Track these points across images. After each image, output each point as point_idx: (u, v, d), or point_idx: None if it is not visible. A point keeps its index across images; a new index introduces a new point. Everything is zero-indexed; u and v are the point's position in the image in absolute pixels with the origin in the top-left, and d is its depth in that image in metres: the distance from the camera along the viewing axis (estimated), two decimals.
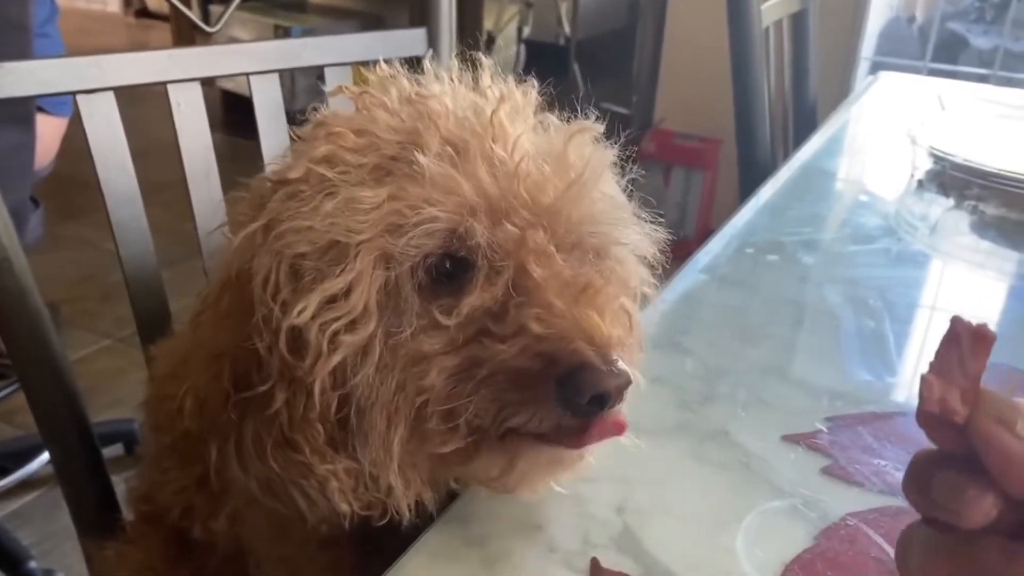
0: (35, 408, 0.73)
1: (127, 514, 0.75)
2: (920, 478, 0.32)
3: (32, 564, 1.47)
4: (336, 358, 0.43)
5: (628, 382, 0.43)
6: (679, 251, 0.86)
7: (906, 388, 0.66)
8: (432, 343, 0.44)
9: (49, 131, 1.50)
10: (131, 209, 0.76)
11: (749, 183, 1.25)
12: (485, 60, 0.54)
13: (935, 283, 0.86)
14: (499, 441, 0.44)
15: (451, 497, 0.51)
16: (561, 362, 0.42)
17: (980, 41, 2.86)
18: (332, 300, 0.44)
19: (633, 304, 0.52)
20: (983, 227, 0.96)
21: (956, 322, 0.32)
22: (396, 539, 0.51)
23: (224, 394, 0.47)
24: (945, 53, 2.74)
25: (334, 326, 0.43)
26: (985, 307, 0.81)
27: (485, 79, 0.53)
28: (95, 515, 0.76)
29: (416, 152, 0.45)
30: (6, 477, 1.66)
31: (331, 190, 0.45)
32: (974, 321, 0.32)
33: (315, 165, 0.47)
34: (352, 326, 0.43)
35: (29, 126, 1.34)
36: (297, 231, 0.45)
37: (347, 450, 0.45)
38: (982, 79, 2.42)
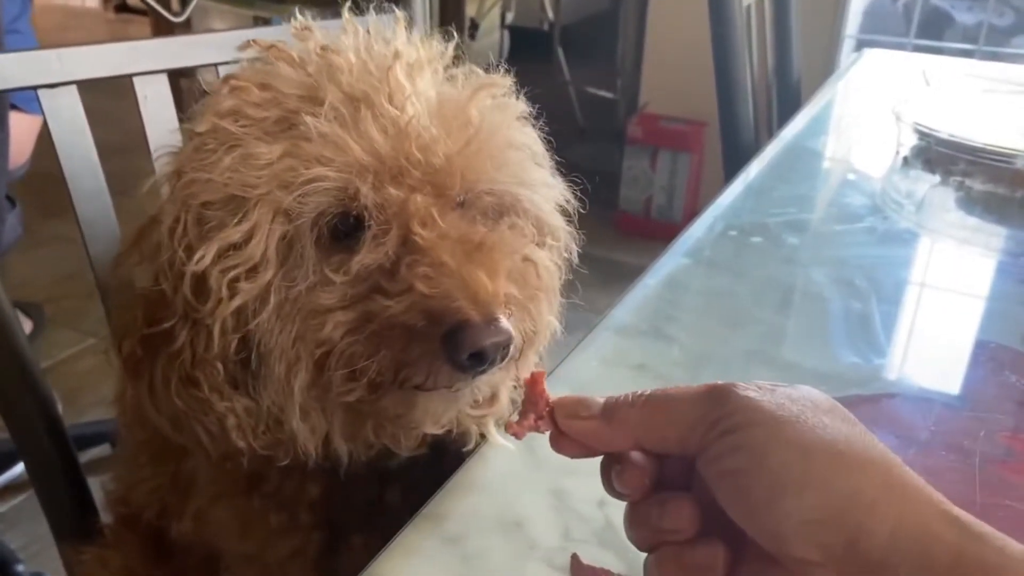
0: (7, 415, 0.71)
1: (105, 518, 0.74)
2: (605, 483, 0.39)
3: (20, 568, 1.46)
4: (235, 303, 0.45)
5: (508, 339, 0.44)
6: (668, 234, 0.85)
7: (893, 369, 0.65)
8: (327, 297, 0.45)
9: (23, 129, 1.48)
10: (99, 204, 0.74)
11: (733, 165, 1.23)
12: (399, 13, 0.55)
13: (922, 261, 0.85)
14: (399, 389, 0.46)
15: (427, 495, 0.50)
16: (444, 320, 0.43)
17: (965, 17, 2.85)
18: (231, 248, 0.45)
19: (545, 255, 0.52)
20: (970, 203, 0.95)
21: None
22: (360, 526, 0.51)
23: (139, 333, 0.49)
24: (930, 30, 2.73)
25: (232, 273, 0.45)
26: (973, 283, 0.80)
27: (399, 34, 0.53)
28: (72, 520, 0.75)
29: (315, 108, 0.46)
30: None
31: (233, 143, 0.47)
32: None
33: (219, 119, 0.48)
34: (250, 274, 0.45)
35: (2, 124, 1.32)
36: (201, 182, 0.46)
37: (247, 390, 0.48)
38: (967, 55, 2.41)
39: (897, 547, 0.32)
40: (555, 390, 0.59)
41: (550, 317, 0.51)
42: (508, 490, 0.51)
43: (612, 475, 0.38)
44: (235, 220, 0.45)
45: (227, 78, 0.51)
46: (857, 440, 0.34)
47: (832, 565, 0.32)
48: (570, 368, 0.63)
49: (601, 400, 0.39)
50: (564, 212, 0.55)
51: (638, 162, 2.69)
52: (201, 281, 0.45)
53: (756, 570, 0.35)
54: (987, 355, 0.67)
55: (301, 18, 0.55)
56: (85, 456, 1.36)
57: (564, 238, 0.55)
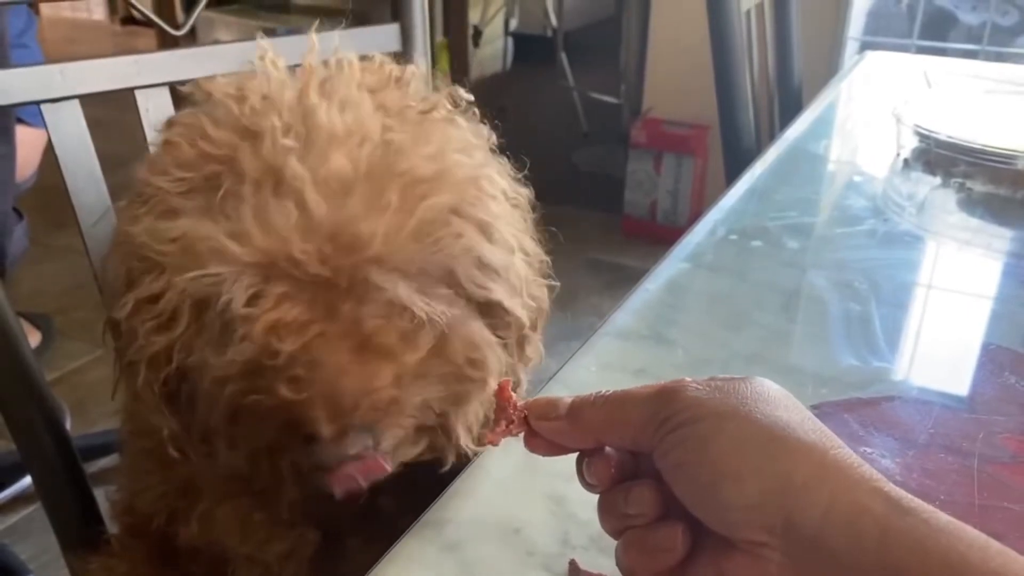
0: (13, 427, 0.72)
1: (112, 528, 0.75)
2: (579, 476, 0.42)
3: None
4: (153, 349, 0.47)
5: (364, 452, 0.44)
6: (673, 237, 0.85)
7: (893, 372, 0.65)
8: (220, 366, 0.45)
9: (30, 142, 1.49)
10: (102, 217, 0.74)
11: (734, 169, 1.23)
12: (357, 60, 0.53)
13: (923, 263, 0.85)
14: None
15: (426, 502, 0.50)
16: (297, 429, 0.44)
17: (969, 17, 2.85)
18: (147, 301, 0.46)
19: (488, 337, 0.50)
20: (971, 204, 0.95)
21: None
22: (354, 530, 0.51)
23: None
24: (934, 30, 2.73)
25: (147, 324, 0.46)
26: (974, 285, 0.80)
27: (348, 77, 0.51)
28: (79, 531, 0.75)
29: (231, 178, 0.45)
30: (2, 491, 1.65)
31: (156, 202, 0.47)
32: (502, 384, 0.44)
33: (150, 173, 0.48)
34: (162, 328, 0.46)
35: (8, 138, 1.34)
36: (127, 234, 0.48)
37: (177, 415, 0.49)
38: (971, 55, 2.41)
39: (830, 524, 0.34)
40: (556, 393, 0.60)
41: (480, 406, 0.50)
42: (507, 497, 0.51)
43: (583, 468, 0.42)
44: (151, 277, 0.46)
45: (170, 122, 0.51)
46: (794, 426, 0.36)
47: (776, 544, 0.35)
48: (571, 373, 0.63)
49: (566, 400, 0.42)
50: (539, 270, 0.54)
51: (642, 166, 2.70)
52: (125, 326, 0.47)
53: (714, 553, 0.37)
54: (987, 357, 0.67)
55: (263, 44, 0.54)
56: (95, 466, 1.37)
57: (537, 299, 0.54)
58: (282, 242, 0.44)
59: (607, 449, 0.41)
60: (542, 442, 0.43)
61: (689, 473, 0.37)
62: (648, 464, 0.40)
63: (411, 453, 0.49)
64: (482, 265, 0.48)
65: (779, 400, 0.38)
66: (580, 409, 0.41)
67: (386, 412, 0.45)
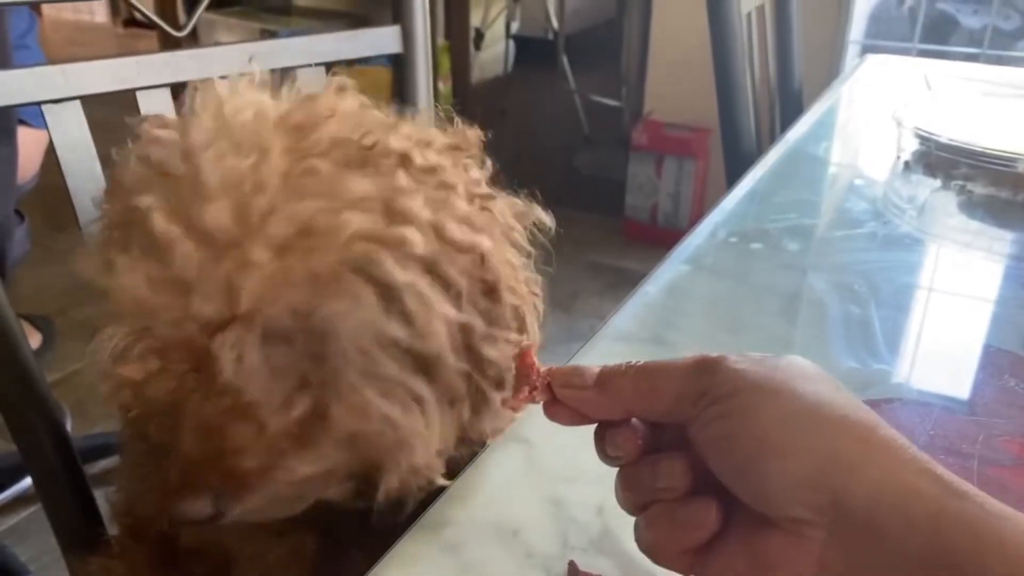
0: (13, 428, 0.72)
1: (112, 530, 0.75)
2: (597, 447, 0.41)
3: None
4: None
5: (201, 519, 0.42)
6: (674, 240, 0.85)
7: (893, 374, 0.65)
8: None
9: (31, 144, 1.50)
10: None
11: (734, 172, 1.23)
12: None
13: (923, 265, 0.85)
14: None
15: (426, 503, 0.50)
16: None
17: (970, 21, 2.85)
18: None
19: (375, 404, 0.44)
20: (971, 207, 0.95)
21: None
22: (353, 538, 0.51)
23: None
24: (935, 34, 2.73)
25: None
26: (975, 287, 0.80)
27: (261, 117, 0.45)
28: (79, 532, 0.75)
29: (138, 225, 0.42)
30: (3, 492, 1.65)
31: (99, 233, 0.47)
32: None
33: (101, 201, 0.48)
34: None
35: (10, 139, 1.34)
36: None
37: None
38: (972, 59, 2.41)
39: (879, 504, 0.33)
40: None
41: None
42: (506, 498, 0.51)
43: (606, 440, 0.40)
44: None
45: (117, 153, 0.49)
46: (840, 403, 0.36)
47: (821, 523, 0.34)
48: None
49: (596, 369, 0.41)
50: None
51: (643, 169, 2.70)
52: None
53: (746, 532, 0.36)
54: (987, 359, 0.67)
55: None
56: (95, 468, 1.37)
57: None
58: (147, 298, 0.41)
59: (632, 420, 0.40)
60: (564, 410, 0.41)
61: (731, 447, 0.36)
62: (673, 437, 0.39)
63: (295, 508, 0.47)
64: (380, 335, 0.42)
65: (818, 377, 0.37)
66: (610, 378, 0.40)
67: (238, 482, 0.42)
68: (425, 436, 0.44)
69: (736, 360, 0.37)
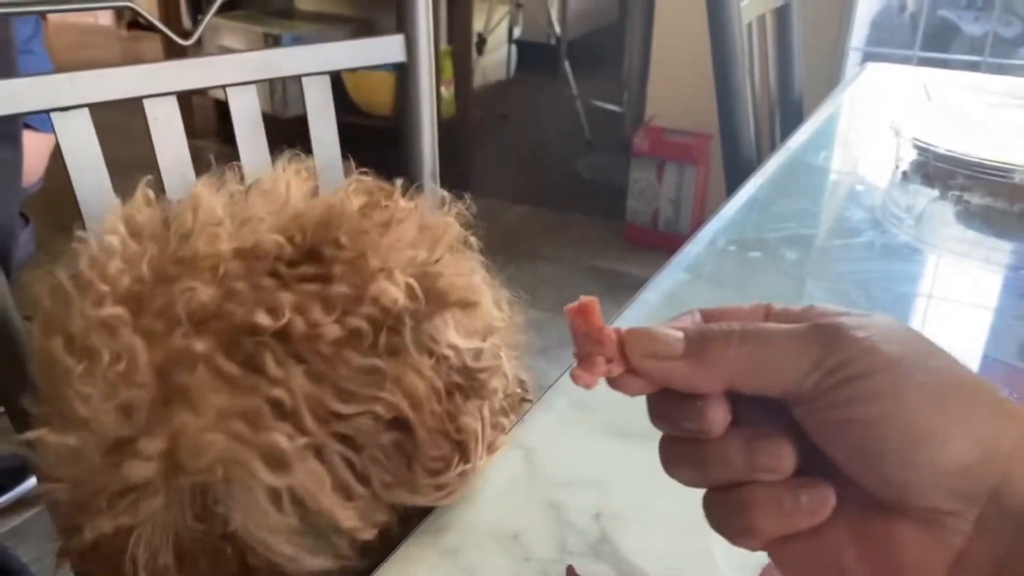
0: (17, 429, 0.73)
1: None
2: (660, 417, 0.36)
3: None
4: None
5: None
6: (675, 245, 0.86)
7: None
8: None
9: (36, 148, 1.51)
10: None
11: (734, 179, 1.24)
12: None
13: (921, 275, 0.86)
14: None
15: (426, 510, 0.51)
16: None
17: (971, 28, 2.86)
18: None
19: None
20: (968, 217, 0.96)
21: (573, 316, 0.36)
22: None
23: None
24: (937, 41, 2.74)
25: None
26: (971, 297, 0.81)
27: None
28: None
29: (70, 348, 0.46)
30: (5, 494, 1.66)
31: None
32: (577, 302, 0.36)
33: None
34: None
35: (16, 143, 1.34)
36: None
37: None
38: (973, 66, 2.42)
39: None
40: (554, 403, 0.61)
41: None
42: (505, 503, 0.52)
43: (686, 412, 0.34)
44: None
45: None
46: (988, 386, 0.33)
47: (970, 514, 0.31)
48: (568, 382, 0.64)
49: (678, 333, 0.35)
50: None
51: (644, 174, 2.71)
52: None
53: (859, 519, 0.33)
54: (984, 370, 0.68)
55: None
56: None
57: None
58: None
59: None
60: (636, 381, 0.35)
61: (873, 433, 0.32)
62: (753, 409, 0.34)
63: None
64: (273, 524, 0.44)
65: (933, 347, 0.33)
66: (707, 347, 0.34)
67: None
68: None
69: (855, 327, 0.33)
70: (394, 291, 0.46)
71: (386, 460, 0.45)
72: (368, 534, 0.46)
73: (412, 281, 0.46)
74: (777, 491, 0.33)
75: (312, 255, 0.47)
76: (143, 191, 0.53)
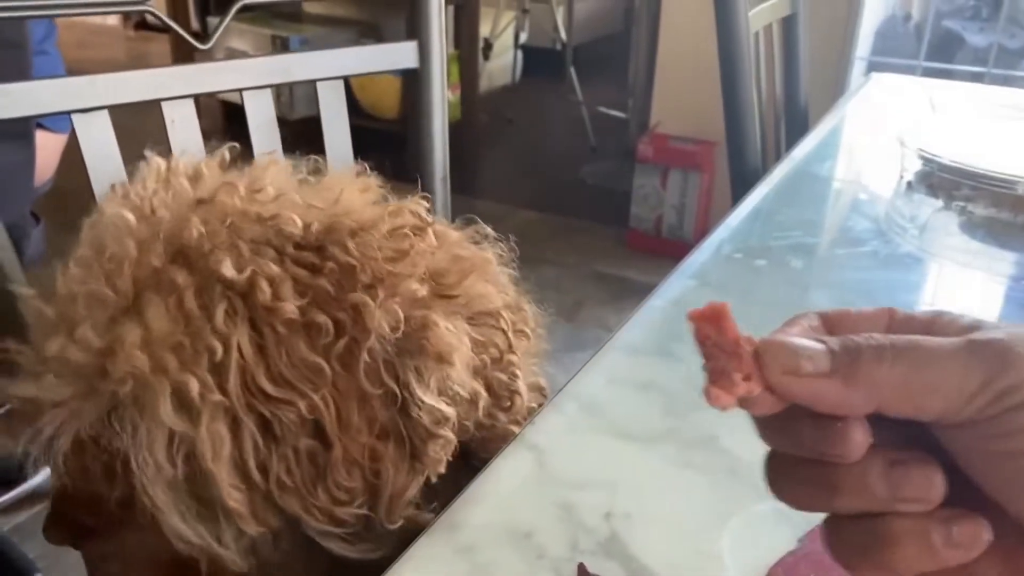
0: None
1: None
2: (783, 433, 0.32)
3: None
4: None
5: None
6: (678, 252, 0.87)
7: None
8: None
9: (49, 147, 1.52)
10: None
11: (740, 187, 1.25)
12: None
13: (924, 285, 0.87)
14: None
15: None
16: None
17: (976, 39, 2.87)
18: None
19: None
20: (972, 228, 0.97)
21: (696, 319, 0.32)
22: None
23: None
24: (941, 51, 2.75)
25: None
26: (975, 307, 0.82)
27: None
28: None
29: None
30: (12, 490, 1.67)
31: None
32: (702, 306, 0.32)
33: None
34: None
35: (29, 143, 1.36)
36: None
37: None
38: (977, 77, 2.43)
39: None
40: (565, 406, 0.62)
41: None
42: (518, 502, 0.53)
43: (823, 433, 0.30)
44: None
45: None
46: None
47: None
48: (580, 385, 0.65)
49: (819, 347, 0.31)
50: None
51: (649, 181, 2.72)
52: None
53: (1009, 552, 0.30)
54: None
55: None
56: None
57: None
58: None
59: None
60: (770, 399, 0.31)
61: None
62: (894, 431, 0.31)
63: None
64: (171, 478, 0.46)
65: None
66: (857, 364, 0.30)
67: (82, 531, 0.53)
68: (222, 553, 0.47)
69: (1017, 343, 0.29)
70: (375, 311, 0.46)
71: (294, 464, 0.45)
72: (250, 528, 0.45)
73: (400, 313, 0.47)
74: (924, 524, 0.30)
75: (318, 248, 0.48)
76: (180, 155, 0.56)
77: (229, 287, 0.45)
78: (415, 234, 0.51)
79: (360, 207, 0.52)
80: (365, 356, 0.46)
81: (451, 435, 0.48)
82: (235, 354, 0.44)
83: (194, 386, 0.43)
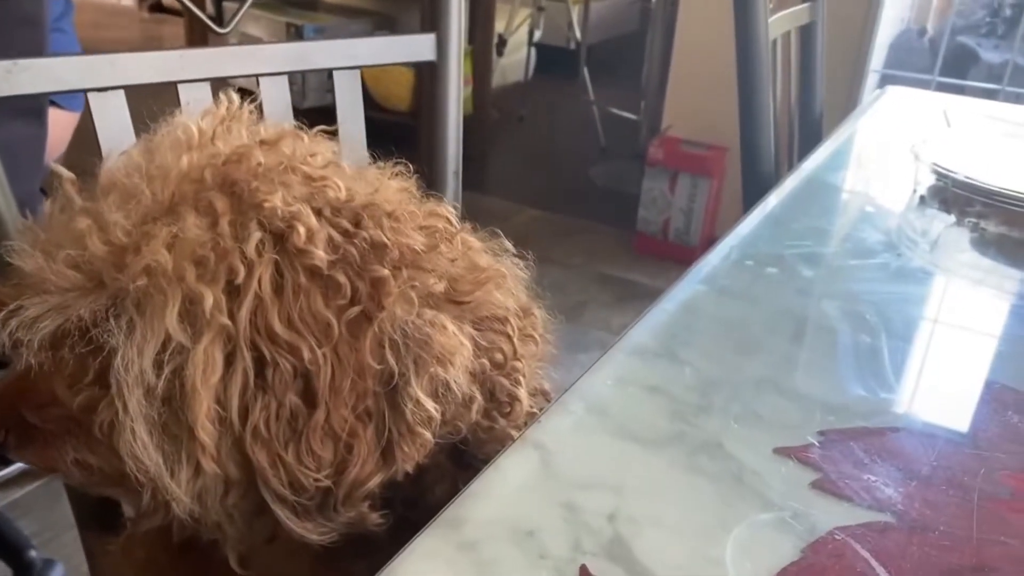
0: None
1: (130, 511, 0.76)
2: None
3: (32, 553, 1.49)
4: None
5: None
6: (684, 256, 0.87)
7: (899, 404, 0.67)
8: None
9: (61, 125, 1.52)
10: None
11: (752, 194, 1.25)
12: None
13: (934, 299, 0.87)
14: None
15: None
16: None
17: (990, 55, 2.87)
18: None
19: None
20: (984, 244, 0.97)
21: None
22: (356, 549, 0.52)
23: None
24: (955, 67, 2.75)
25: None
26: (984, 323, 0.82)
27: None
28: (97, 511, 0.77)
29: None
30: (9, 466, 1.67)
31: None
32: None
33: None
34: None
35: (41, 119, 1.36)
36: None
37: None
38: (991, 94, 2.42)
39: None
40: (572, 406, 0.62)
41: None
42: (522, 501, 0.53)
43: None
44: None
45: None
46: None
47: None
48: (586, 386, 0.65)
49: None
50: None
51: (658, 184, 2.72)
52: None
53: None
54: (992, 395, 0.69)
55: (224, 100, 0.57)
56: None
57: None
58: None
59: None
60: None
61: None
62: None
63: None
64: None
65: None
66: None
67: (23, 432, 0.51)
68: (171, 487, 0.46)
69: None
70: (394, 290, 0.47)
71: (274, 416, 0.45)
72: (210, 467, 0.45)
73: (415, 301, 0.47)
74: None
75: (355, 219, 0.49)
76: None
77: (266, 225, 0.46)
78: (445, 238, 0.52)
79: (398, 200, 0.53)
80: (375, 328, 0.46)
81: (429, 436, 0.49)
82: (255, 285, 0.44)
83: (208, 301, 0.43)
